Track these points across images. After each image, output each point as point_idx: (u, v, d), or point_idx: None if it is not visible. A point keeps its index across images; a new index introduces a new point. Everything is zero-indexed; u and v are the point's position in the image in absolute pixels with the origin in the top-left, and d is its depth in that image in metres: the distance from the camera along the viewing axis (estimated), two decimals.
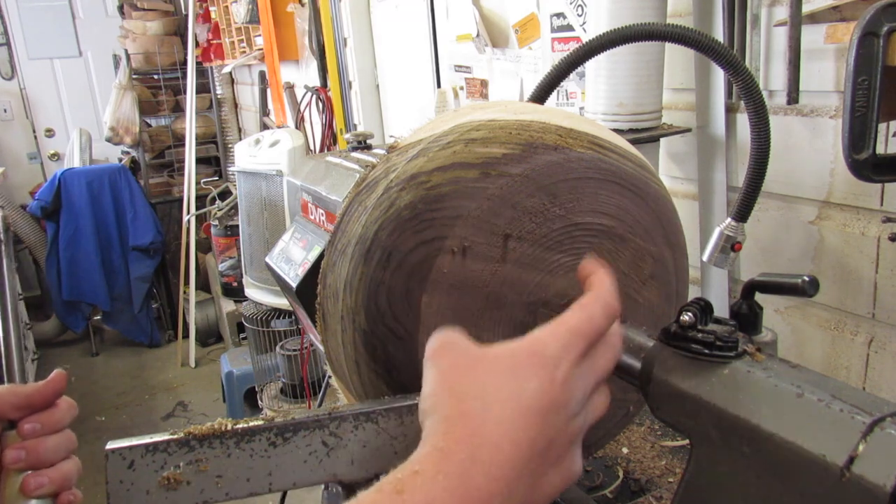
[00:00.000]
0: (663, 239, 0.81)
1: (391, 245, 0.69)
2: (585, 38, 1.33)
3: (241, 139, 5.31)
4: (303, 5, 3.47)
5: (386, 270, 0.69)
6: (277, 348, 3.13)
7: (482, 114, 0.75)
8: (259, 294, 2.82)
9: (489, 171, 0.69)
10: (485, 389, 0.49)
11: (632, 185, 0.76)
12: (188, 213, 4.63)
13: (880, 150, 0.95)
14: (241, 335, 4.10)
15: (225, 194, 4.40)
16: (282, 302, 2.76)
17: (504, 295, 0.72)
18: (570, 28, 1.78)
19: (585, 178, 0.73)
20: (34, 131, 5.60)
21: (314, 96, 3.56)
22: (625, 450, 1.12)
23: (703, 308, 0.62)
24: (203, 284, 5.14)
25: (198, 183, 4.79)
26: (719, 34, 1.36)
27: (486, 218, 0.69)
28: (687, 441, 0.62)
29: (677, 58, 1.50)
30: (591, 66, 1.40)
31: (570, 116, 0.78)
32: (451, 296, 0.70)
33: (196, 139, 4.84)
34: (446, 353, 0.52)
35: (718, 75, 1.40)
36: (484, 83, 2.31)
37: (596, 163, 0.73)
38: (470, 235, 0.69)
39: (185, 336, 4.75)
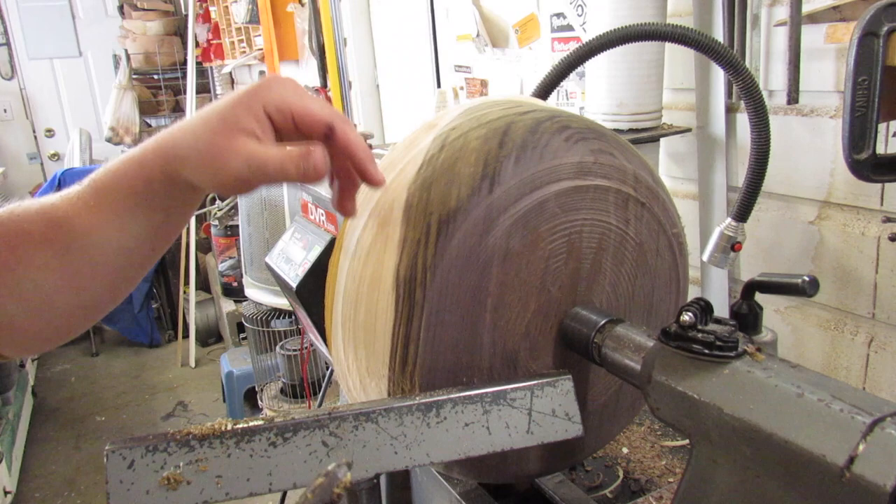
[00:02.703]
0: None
1: None
2: (585, 38, 1.33)
3: None
4: (303, 5, 3.47)
5: None
6: (277, 348, 3.12)
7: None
8: (259, 294, 2.82)
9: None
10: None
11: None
12: None
13: (880, 150, 0.95)
14: (241, 335, 4.09)
15: None
16: (282, 302, 2.76)
17: None
18: (570, 28, 1.78)
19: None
20: (34, 131, 5.59)
21: None
22: (625, 450, 1.12)
23: (703, 308, 0.62)
24: (203, 284, 5.14)
25: None
26: (719, 34, 1.36)
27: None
28: (687, 441, 0.62)
29: (677, 58, 1.50)
30: (591, 66, 1.40)
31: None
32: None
33: None
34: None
35: (718, 75, 1.40)
36: (484, 83, 2.31)
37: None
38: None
39: (185, 336, 4.75)
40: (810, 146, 1.29)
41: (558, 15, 1.83)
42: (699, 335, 0.61)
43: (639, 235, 0.81)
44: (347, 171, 0.67)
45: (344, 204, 0.68)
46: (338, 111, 0.64)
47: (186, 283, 4.82)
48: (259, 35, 3.87)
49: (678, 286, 0.87)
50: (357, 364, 0.76)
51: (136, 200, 0.62)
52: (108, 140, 5.13)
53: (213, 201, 4.42)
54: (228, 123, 0.59)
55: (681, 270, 0.86)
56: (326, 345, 0.86)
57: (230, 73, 5.15)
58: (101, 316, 0.69)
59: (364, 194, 0.78)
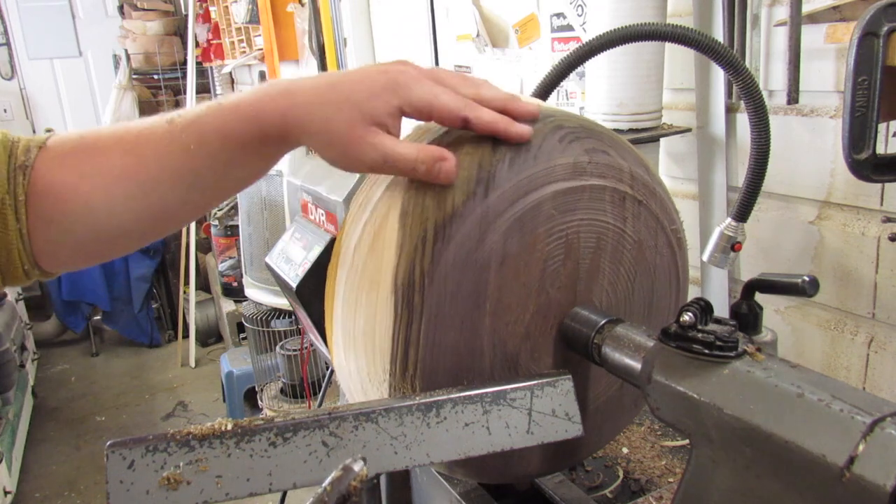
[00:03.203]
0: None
1: None
2: (585, 38, 1.33)
3: None
4: (303, 5, 3.47)
5: None
6: (277, 348, 3.13)
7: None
8: (259, 294, 2.82)
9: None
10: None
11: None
12: None
13: (880, 150, 0.95)
14: (241, 335, 4.10)
15: None
16: (282, 302, 2.76)
17: None
18: (570, 28, 1.78)
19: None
20: (34, 131, 5.59)
21: None
22: (625, 450, 1.12)
23: (703, 308, 0.62)
24: (203, 284, 5.14)
25: None
26: (719, 34, 1.36)
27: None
28: (687, 441, 0.62)
29: (677, 58, 1.50)
30: (591, 66, 1.40)
31: None
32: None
33: None
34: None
35: (718, 75, 1.40)
36: None
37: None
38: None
39: (185, 336, 4.75)
40: (810, 146, 1.29)
41: (558, 15, 1.83)
42: (699, 335, 0.61)
43: (637, 233, 0.80)
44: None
45: (514, 132, 0.68)
46: (475, 92, 0.67)
47: (186, 283, 4.82)
48: (259, 35, 3.87)
49: (678, 283, 0.87)
50: (358, 370, 0.76)
51: (245, 152, 0.65)
52: None
53: None
54: (366, 116, 0.62)
55: (680, 267, 0.86)
56: (327, 347, 0.86)
57: (230, 73, 5.15)
58: (161, 232, 0.72)
59: (358, 201, 0.78)
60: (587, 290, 0.79)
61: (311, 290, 1.09)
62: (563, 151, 0.73)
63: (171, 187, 0.66)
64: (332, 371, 0.85)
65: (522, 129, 0.68)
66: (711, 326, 0.62)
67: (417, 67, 0.67)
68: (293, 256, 1.24)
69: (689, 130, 1.48)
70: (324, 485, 0.51)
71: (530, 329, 0.76)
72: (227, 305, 4.30)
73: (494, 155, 0.70)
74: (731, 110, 1.42)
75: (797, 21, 1.22)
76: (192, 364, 4.63)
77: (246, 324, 3.30)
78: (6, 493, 3.03)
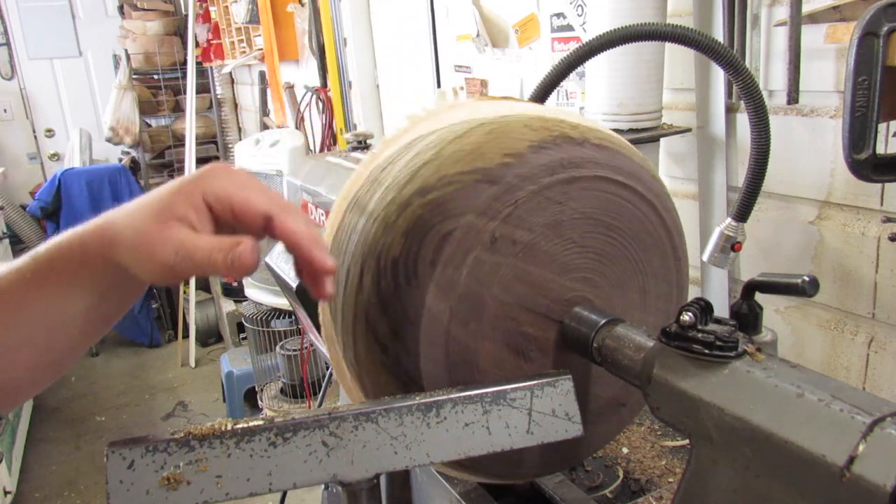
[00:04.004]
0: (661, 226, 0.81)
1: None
2: (585, 38, 1.33)
3: (241, 139, 5.31)
4: (303, 5, 3.47)
5: None
6: (277, 348, 3.13)
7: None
8: (259, 294, 2.82)
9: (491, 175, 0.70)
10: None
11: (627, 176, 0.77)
12: None
13: (880, 150, 0.95)
14: (241, 335, 4.10)
15: None
16: (282, 302, 2.76)
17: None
18: (570, 28, 1.78)
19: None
20: (34, 131, 5.59)
21: (314, 96, 3.56)
22: (625, 450, 1.12)
23: (703, 308, 0.62)
24: (203, 284, 5.14)
25: None
26: (719, 34, 1.36)
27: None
28: (687, 441, 0.62)
29: (677, 58, 1.50)
30: (591, 66, 1.40)
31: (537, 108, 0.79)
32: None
33: (196, 139, 4.83)
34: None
35: (718, 75, 1.40)
36: (484, 83, 2.31)
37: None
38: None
39: (185, 336, 4.75)
40: (810, 146, 1.29)
41: (558, 15, 1.83)
42: (699, 335, 0.61)
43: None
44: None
45: (317, 290, 0.63)
46: (282, 201, 0.62)
47: (186, 283, 4.81)
48: (259, 35, 3.87)
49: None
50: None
51: (72, 279, 0.62)
52: (108, 140, 5.13)
53: None
54: (165, 210, 0.58)
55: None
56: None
57: (230, 73, 5.15)
58: (22, 398, 0.68)
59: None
60: (586, 289, 0.79)
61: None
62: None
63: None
64: (332, 371, 0.85)
65: (329, 258, 0.61)
66: (711, 326, 0.62)
67: (238, 169, 0.63)
68: None
69: (689, 130, 1.48)
70: None
71: (530, 329, 0.77)
72: (227, 305, 4.30)
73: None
74: (731, 110, 1.42)
75: (797, 21, 1.22)
76: (192, 364, 4.63)
77: (246, 324, 3.30)
78: (6, 493, 3.03)
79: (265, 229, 0.61)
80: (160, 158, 5.50)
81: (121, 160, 5.35)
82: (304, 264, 0.61)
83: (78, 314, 0.63)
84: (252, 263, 0.58)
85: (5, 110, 5.45)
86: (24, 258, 0.63)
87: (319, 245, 0.61)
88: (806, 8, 1.21)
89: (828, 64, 1.23)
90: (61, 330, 0.64)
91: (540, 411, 0.66)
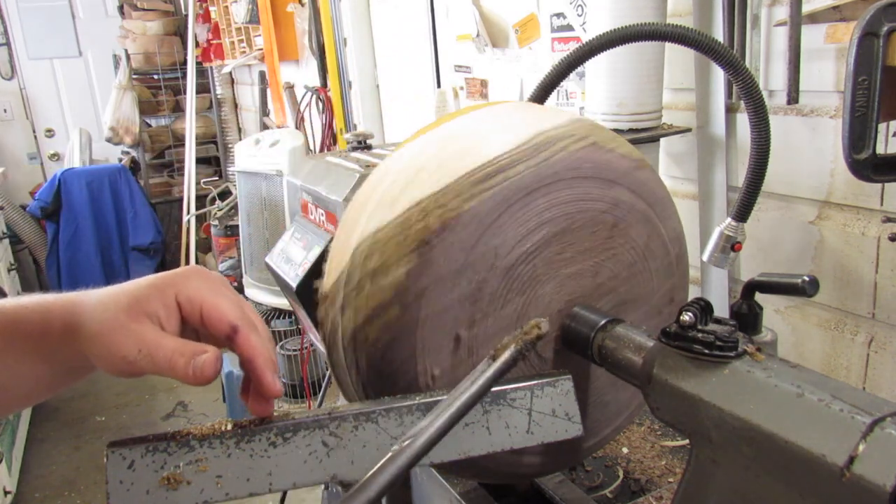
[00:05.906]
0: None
1: None
2: (585, 38, 1.33)
3: (241, 139, 5.31)
4: (303, 5, 3.47)
5: None
6: (277, 348, 3.13)
7: (365, 222, 0.76)
8: (259, 294, 2.82)
9: (404, 299, 0.71)
10: None
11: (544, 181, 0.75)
12: (188, 213, 4.63)
13: (880, 150, 0.95)
14: None
15: (225, 194, 4.40)
16: (282, 302, 2.76)
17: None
18: (570, 28, 1.78)
19: (489, 223, 0.72)
20: (34, 131, 5.59)
21: (314, 96, 3.56)
22: (625, 450, 1.12)
23: (703, 308, 0.62)
24: None
25: (198, 183, 4.79)
26: (719, 34, 1.36)
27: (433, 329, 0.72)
28: (687, 441, 0.62)
29: (677, 58, 1.50)
30: (591, 66, 1.40)
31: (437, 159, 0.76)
32: None
33: (196, 139, 4.84)
34: None
35: (718, 75, 1.40)
36: (484, 83, 2.31)
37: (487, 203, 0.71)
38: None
39: None
40: (810, 146, 1.29)
41: (558, 15, 1.83)
42: (699, 335, 0.61)
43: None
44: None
45: (255, 408, 0.62)
46: (251, 314, 0.62)
47: None
48: (259, 35, 3.87)
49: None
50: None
51: (27, 346, 0.61)
52: (108, 140, 5.13)
53: (213, 201, 4.42)
54: (135, 303, 0.58)
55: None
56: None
57: (230, 73, 5.15)
58: None
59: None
60: (586, 288, 0.79)
61: (311, 290, 1.09)
62: None
63: None
64: (332, 372, 0.85)
65: (277, 384, 0.61)
66: (711, 326, 0.62)
67: (215, 274, 0.64)
68: (293, 256, 1.24)
69: (689, 130, 1.48)
70: (507, 339, 0.59)
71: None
72: None
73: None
74: (731, 110, 1.42)
75: (797, 21, 1.21)
76: None
77: None
78: (6, 493, 3.02)
79: (228, 339, 0.60)
80: (160, 158, 5.50)
81: (121, 160, 5.35)
82: (254, 383, 0.61)
83: (28, 379, 0.63)
84: (213, 374, 0.58)
85: (5, 110, 5.44)
86: None
87: (273, 368, 0.61)
88: (806, 8, 1.21)
89: (828, 64, 1.23)
90: (7, 389, 0.63)
91: (540, 411, 0.66)
